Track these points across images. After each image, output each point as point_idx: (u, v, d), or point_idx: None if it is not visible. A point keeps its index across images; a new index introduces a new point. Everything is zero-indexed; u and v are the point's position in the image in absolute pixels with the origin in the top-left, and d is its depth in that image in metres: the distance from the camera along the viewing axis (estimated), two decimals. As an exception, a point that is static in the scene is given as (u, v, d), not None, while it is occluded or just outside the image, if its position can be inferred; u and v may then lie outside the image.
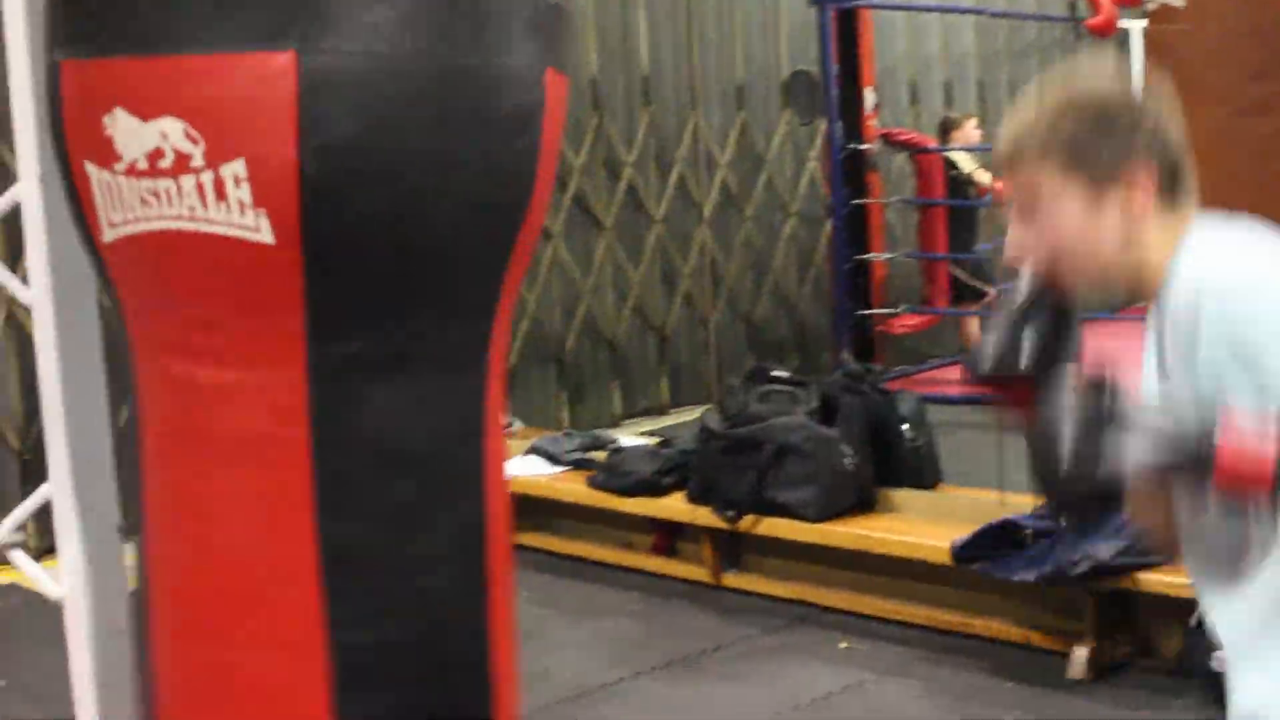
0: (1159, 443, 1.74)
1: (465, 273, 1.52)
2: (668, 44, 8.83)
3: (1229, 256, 1.84)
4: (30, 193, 1.62)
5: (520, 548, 5.86)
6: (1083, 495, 1.83)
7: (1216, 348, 1.78)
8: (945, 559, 4.58)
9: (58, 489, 1.62)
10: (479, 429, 1.55)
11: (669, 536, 5.63)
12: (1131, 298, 1.97)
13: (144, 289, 1.47)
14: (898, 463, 5.31)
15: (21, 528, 1.67)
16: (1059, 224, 1.88)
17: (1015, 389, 1.88)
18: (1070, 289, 1.92)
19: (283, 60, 1.35)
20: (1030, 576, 4.34)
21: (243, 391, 1.42)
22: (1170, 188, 1.89)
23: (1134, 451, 1.75)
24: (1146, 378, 1.94)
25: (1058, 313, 1.91)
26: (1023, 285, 1.93)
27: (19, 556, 1.69)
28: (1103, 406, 1.78)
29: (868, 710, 4.28)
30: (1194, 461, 1.73)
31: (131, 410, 1.53)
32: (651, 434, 6.53)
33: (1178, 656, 4.19)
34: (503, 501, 1.60)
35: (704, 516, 5.31)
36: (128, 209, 1.44)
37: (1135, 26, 9.76)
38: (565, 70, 1.58)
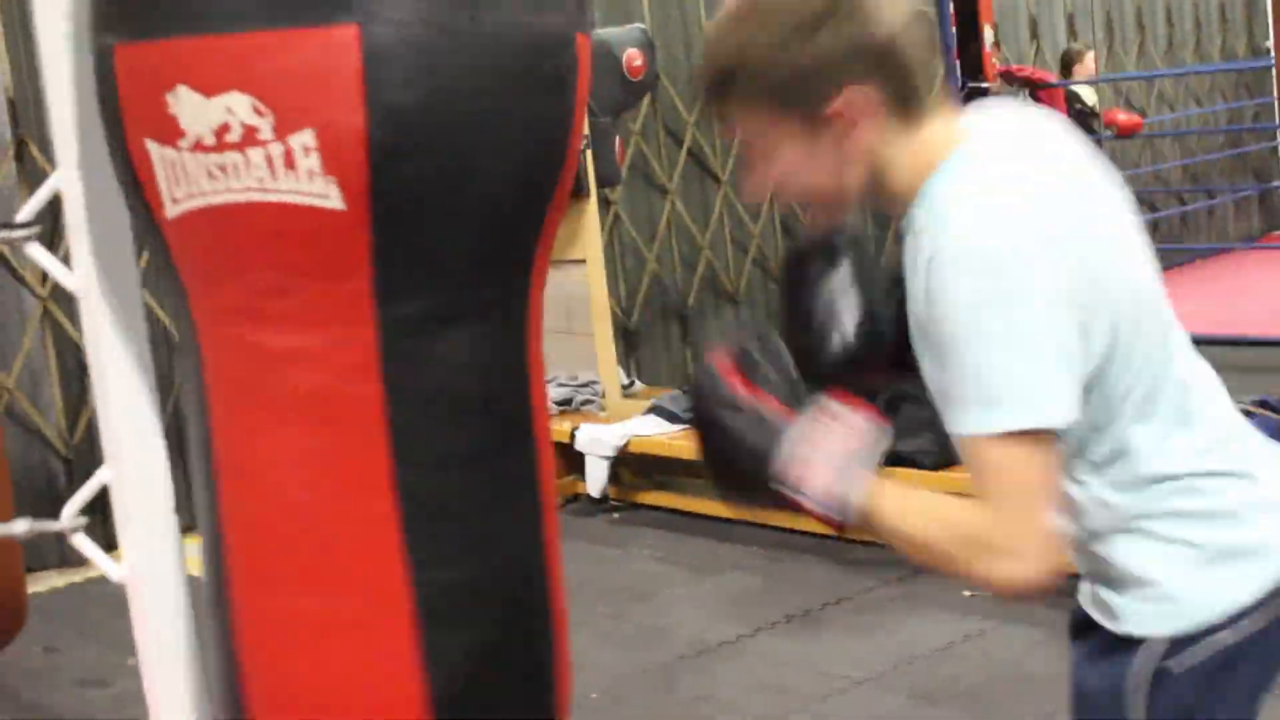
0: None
1: (511, 228, 1.57)
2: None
3: (971, 214, 1.55)
4: (71, 180, 1.64)
5: (640, 506, 6.02)
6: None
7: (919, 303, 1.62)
8: (1066, 503, 4.48)
9: (114, 474, 1.65)
10: (525, 377, 1.62)
11: (790, 490, 5.59)
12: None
13: (211, 261, 1.50)
14: (1018, 407, 5.21)
15: (84, 511, 1.71)
16: (778, 168, 1.63)
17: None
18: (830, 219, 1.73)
19: (347, 33, 1.39)
20: (1153, 518, 4.23)
21: (315, 353, 1.46)
22: (903, 100, 1.59)
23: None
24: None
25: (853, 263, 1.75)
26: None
27: (82, 541, 1.72)
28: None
29: (989, 658, 4.22)
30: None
31: (190, 389, 1.56)
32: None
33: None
34: (548, 447, 1.67)
35: (822, 468, 5.26)
36: (193, 184, 1.48)
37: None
38: (590, 34, 1.62)
